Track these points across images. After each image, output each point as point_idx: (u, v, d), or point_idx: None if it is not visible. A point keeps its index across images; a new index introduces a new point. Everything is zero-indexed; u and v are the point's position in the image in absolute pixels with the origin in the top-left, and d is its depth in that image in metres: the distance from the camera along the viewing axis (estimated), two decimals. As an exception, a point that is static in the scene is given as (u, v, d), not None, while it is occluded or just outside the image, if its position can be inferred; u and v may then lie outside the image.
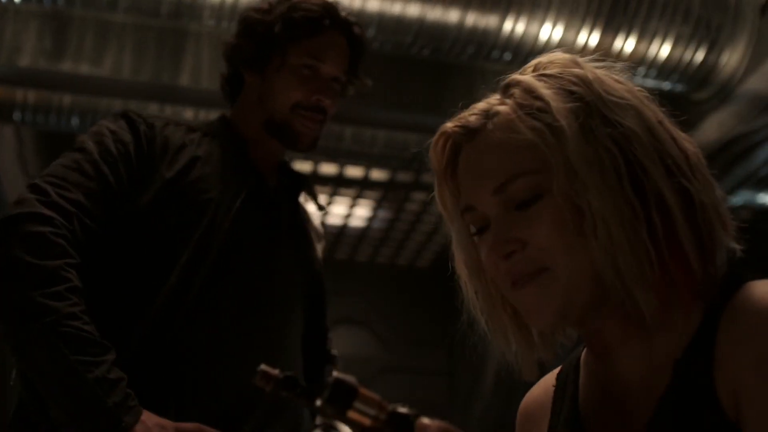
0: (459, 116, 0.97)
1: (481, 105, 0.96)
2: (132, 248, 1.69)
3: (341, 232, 7.43)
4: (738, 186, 4.30)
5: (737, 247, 0.93)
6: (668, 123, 0.95)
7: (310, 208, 2.02)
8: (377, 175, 6.24)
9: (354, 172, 6.18)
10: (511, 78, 0.97)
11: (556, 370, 1.07)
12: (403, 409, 0.82)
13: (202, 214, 1.71)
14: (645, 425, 0.89)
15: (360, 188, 6.57)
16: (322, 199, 6.62)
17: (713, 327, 0.87)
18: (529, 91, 0.93)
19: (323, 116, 1.86)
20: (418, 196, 6.63)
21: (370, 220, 7.22)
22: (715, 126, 3.99)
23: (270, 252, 1.81)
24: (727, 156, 4.02)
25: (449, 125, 0.97)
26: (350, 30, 1.89)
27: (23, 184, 4.89)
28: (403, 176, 6.15)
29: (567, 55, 0.97)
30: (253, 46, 1.85)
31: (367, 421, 0.81)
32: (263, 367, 0.83)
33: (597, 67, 0.96)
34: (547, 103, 0.91)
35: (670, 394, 0.88)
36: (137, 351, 1.62)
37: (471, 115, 0.96)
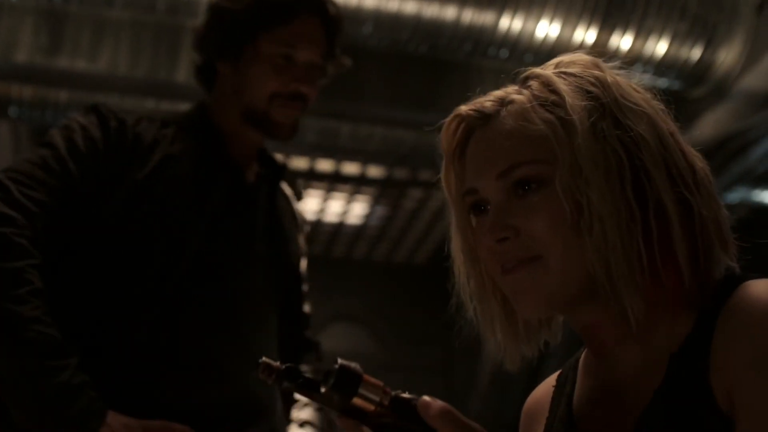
0: (475, 101, 0.98)
1: (498, 93, 0.98)
2: (103, 249, 1.64)
3: (338, 229, 7.43)
4: (734, 183, 4.31)
5: (735, 266, 0.93)
6: (679, 136, 0.96)
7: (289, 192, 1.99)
8: (374, 171, 6.24)
9: (350, 168, 6.18)
10: (531, 71, 0.98)
11: (558, 372, 1.08)
12: (404, 394, 0.83)
13: (174, 217, 1.66)
14: (638, 417, 0.90)
15: (356, 185, 6.57)
16: (319, 195, 6.63)
17: (710, 324, 0.87)
18: (547, 85, 0.94)
19: (303, 104, 1.79)
20: (415, 192, 6.63)
21: (367, 217, 7.22)
22: (711, 123, 3.99)
23: (244, 251, 1.78)
24: (724, 153, 4.03)
25: (464, 108, 0.98)
26: (324, 10, 1.80)
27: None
28: (400, 173, 6.15)
29: (588, 57, 0.98)
30: (223, 36, 1.77)
31: (371, 407, 0.82)
32: (265, 359, 0.83)
33: (618, 74, 0.97)
34: (562, 97, 0.92)
35: (664, 387, 0.88)
36: (110, 351, 1.60)
37: (487, 100, 0.97)
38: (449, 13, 3.66)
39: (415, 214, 7.12)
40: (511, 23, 3.69)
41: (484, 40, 3.74)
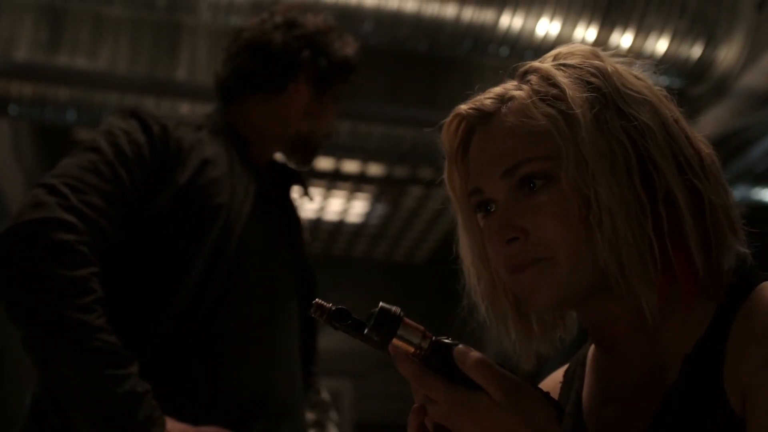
0: (474, 99, 0.97)
1: (497, 89, 0.96)
2: (148, 253, 1.67)
3: (337, 227, 7.42)
4: (734, 181, 4.30)
5: (747, 251, 0.92)
6: (684, 122, 0.95)
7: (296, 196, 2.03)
8: (374, 170, 6.23)
9: (350, 167, 6.18)
10: (529, 65, 0.97)
11: (565, 367, 1.07)
12: (445, 339, 0.86)
13: (215, 220, 1.69)
14: (651, 418, 0.88)
15: (356, 183, 6.56)
16: (319, 193, 6.62)
17: (726, 325, 0.86)
18: (546, 78, 0.93)
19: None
20: (415, 191, 6.62)
21: (367, 215, 7.21)
22: (711, 121, 3.99)
23: (272, 253, 1.82)
24: (724, 151, 4.02)
25: (464, 107, 0.96)
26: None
27: (19, 177, 4.88)
28: (400, 171, 6.14)
29: (587, 47, 0.97)
30: (271, 70, 1.86)
31: (410, 349, 0.85)
32: (318, 300, 0.87)
33: (617, 62, 0.96)
34: (563, 90, 0.90)
35: (678, 387, 0.87)
36: (154, 356, 1.61)
37: (486, 98, 0.95)
38: (449, 10, 3.65)
39: (415, 213, 7.11)
40: (511, 21, 3.68)
41: (484, 38, 3.74)
